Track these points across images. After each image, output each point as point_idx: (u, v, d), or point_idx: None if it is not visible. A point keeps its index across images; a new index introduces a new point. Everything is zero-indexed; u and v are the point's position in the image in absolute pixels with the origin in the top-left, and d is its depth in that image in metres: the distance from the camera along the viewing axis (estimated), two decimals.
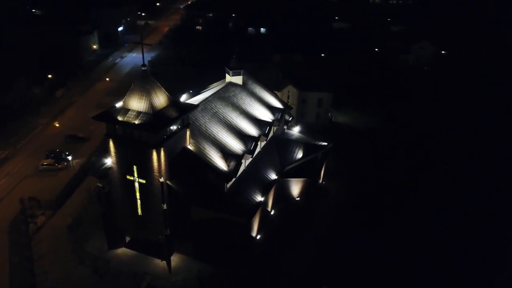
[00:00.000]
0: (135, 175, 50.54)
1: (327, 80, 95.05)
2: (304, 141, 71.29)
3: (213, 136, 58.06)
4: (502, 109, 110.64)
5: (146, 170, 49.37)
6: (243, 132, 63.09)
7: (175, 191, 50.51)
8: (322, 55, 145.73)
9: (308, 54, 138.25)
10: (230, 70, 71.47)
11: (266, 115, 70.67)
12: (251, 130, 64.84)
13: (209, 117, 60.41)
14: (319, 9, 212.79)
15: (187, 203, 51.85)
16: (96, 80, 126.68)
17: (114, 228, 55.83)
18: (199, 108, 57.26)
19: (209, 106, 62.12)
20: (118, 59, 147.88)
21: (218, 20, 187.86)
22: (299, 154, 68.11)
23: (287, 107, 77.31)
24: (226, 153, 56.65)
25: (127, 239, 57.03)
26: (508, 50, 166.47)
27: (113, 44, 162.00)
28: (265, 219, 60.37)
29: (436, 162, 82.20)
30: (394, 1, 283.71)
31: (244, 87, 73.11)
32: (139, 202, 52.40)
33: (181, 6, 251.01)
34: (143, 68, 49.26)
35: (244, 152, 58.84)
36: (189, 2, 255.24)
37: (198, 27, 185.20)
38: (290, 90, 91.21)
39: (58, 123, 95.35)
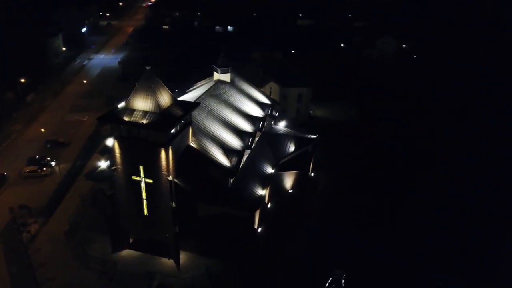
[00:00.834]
0: (142, 175, 50.54)
1: (306, 76, 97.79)
2: (293, 135, 73.44)
3: (212, 133, 58.92)
4: (468, 97, 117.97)
5: (153, 170, 49.53)
6: (238, 128, 64.34)
7: (183, 189, 51.04)
8: (292, 51, 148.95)
9: (278, 51, 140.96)
10: (219, 68, 72.31)
11: (256, 111, 72.21)
12: (246, 126, 66.19)
13: (205, 114, 61.12)
14: (283, 6, 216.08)
15: (195, 200, 52.56)
16: (67, 83, 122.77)
17: (117, 230, 55.44)
18: None
19: (203, 104, 62.73)
20: (86, 61, 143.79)
21: (185, 19, 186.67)
22: (291, 148, 70.16)
23: (274, 103, 79.20)
24: (227, 149, 57.75)
25: (131, 240, 56.82)
26: (470, 42, 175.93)
27: (78, 45, 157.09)
28: (264, 213, 61.94)
29: (416, 151, 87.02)
30: None
31: (232, 84, 74.20)
32: (145, 202, 52.42)
33: (144, 5, 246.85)
34: (147, 68, 49.20)
35: (243, 148, 60.14)
36: (152, 1, 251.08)
37: (165, 27, 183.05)
38: (272, 87, 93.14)
39: (43, 129, 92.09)
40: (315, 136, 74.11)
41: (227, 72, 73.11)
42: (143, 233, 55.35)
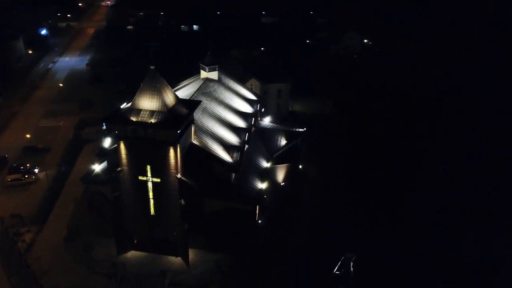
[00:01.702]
0: (149, 174, 50.57)
1: (285, 72, 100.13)
2: (282, 129, 75.38)
3: (210, 130, 59.67)
4: (434, 88, 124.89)
5: (161, 169, 49.74)
6: (233, 124, 65.41)
7: (190, 186, 51.57)
8: (262, 48, 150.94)
9: (248, 48, 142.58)
10: (206, 66, 72.78)
11: (246, 107, 73.51)
12: (239, 122, 67.34)
13: (201, 112, 61.67)
14: (247, 4, 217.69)
15: (202, 196, 53.23)
16: (34, 87, 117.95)
17: (122, 232, 55.02)
18: None
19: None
20: (51, 64, 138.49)
21: (150, 19, 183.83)
22: (283, 142, 72.07)
23: (261, 99, 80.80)
24: (227, 145, 58.74)
25: (135, 241, 56.54)
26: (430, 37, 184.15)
27: (40, 48, 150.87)
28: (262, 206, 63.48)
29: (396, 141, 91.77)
30: None
31: (220, 82, 74.96)
32: (152, 201, 52.45)
33: (104, 3, 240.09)
34: (151, 67, 49.24)
35: (242, 143, 61.36)
36: (111, 1, 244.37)
37: (130, 27, 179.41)
38: (253, 83, 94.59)
39: (17, 136, 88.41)
40: (303, 130, 76.41)
41: (215, 70, 73.75)
42: (148, 233, 55.24)
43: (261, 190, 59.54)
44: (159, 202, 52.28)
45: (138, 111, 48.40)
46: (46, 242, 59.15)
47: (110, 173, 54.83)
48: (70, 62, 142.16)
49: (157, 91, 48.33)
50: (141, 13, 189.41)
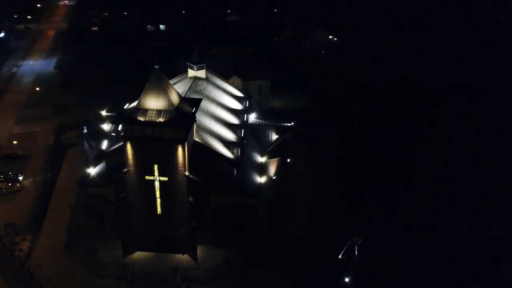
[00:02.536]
0: (156, 174, 50.75)
1: (265, 69, 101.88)
2: (271, 124, 77.19)
3: (208, 128, 60.45)
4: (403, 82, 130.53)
5: (169, 167, 50.11)
6: (227, 121, 66.45)
7: (197, 183, 52.26)
8: (233, 47, 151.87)
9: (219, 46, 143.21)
10: (194, 64, 73.18)
11: (236, 104, 74.70)
12: (232, 119, 68.48)
13: (198, 110, 62.19)
14: (212, 3, 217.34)
15: (208, 192, 54.02)
16: (1, 93, 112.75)
17: (128, 233, 54.79)
18: None
19: None
20: (15, 68, 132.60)
21: (115, 20, 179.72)
22: (273, 136, 73.90)
23: (248, 96, 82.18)
24: (226, 142, 59.78)
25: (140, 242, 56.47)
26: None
27: (0, 52, 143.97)
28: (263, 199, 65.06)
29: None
30: None
31: (208, 80, 75.61)
32: (158, 200, 52.64)
33: (62, 3, 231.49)
34: (156, 67, 49.39)
35: (240, 139, 62.57)
36: (68, 0, 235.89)
37: (94, 28, 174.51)
38: (235, 81, 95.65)
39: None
40: (290, 124, 78.57)
41: (203, 69, 74.30)
42: (154, 232, 55.34)
43: (260, 184, 61.03)
44: (166, 200, 52.57)
45: (145, 111, 48.50)
46: (44, 249, 57.78)
47: (113, 175, 54.42)
48: (35, 65, 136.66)
49: (163, 90, 48.64)
50: (106, 14, 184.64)
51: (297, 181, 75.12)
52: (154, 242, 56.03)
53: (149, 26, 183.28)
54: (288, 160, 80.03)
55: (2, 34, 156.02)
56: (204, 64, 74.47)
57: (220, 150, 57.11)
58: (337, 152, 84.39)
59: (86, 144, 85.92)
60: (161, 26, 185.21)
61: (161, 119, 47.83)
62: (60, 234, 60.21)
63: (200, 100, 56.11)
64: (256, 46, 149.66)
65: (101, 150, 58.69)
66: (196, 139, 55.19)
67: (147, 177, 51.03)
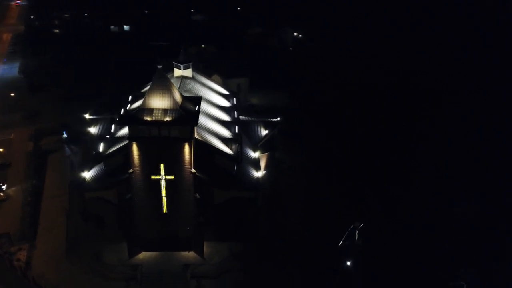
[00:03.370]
0: (162, 173, 51.10)
1: (244, 67, 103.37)
2: (258, 120, 78.76)
3: (205, 125, 61.21)
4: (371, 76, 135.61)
5: (175, 165, 50.66)
6: (220, 119, 67.46)
7: (202, 179, 53.11)
8: (203, 46, 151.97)
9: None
10: (181, 64, 73.45)
11: (224, 102, 75.76)
12: (224, 116, 69.54)
13: None
14: (175, 2, 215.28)
15: (212, 188, 54.97)
16: None
17: (133, 234, 54.72)
18: None
19: None
20: None
21: (77, 21, 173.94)
22: (262, 132, 75.58)
23: (234, 93, 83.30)
24: (224, 138, 60.92)
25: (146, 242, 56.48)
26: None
27: None
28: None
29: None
30: None
31: (194, 79, 76.09)
32: (164, 199, 52.97)
33: (14, 3, 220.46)
34: (159, 67, 49.69)
35: (235, 136, 63.82)
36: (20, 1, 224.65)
37: (56, 30, 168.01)
38: (215, 79, 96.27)
39: None
40: (277, 119, 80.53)
41: (189, 68, 74.73)
42: (159, 231, 55.54)
43: (258, 178, 62.66)
44: (172, 199, 53.02)
45: (150, 111, 48.72)
46: (44, 257, 56.53)
47: (114, 177, 54.16)
48: None
49: (167, 90, 49.10)
50: (67, 15, 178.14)
51: (285, 176, 77.20)
52: (158, 241, 56.23)
53: (112, 26, 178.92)
54: (276, 155, 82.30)
55: None
56: (191, 63, 74.97)
57: (219, 146, 58.17)
58: (324, 147, 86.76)
59: (67, 149, 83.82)
60: (125, 26, 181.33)
61: (168, 118, 48.26)
62: (58, 241, 59.15)
63: (200, 98, 56.88)
64: (225, 45, 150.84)
65: (98, 153, 57.84)
66: (196, 136, 55.88)
67: (153, 177, 51.28)
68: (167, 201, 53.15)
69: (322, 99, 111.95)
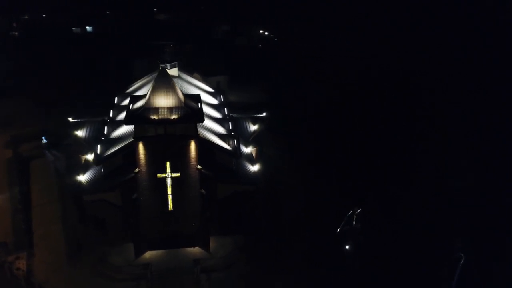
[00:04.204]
0: (168, 171, 51.52)
1: (223, 65, 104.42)
2: (245, 116, 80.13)
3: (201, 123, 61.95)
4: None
5: (181, 162, 51.22)
6: (212, 116, 68.37)
7: (206, 175, 54.02)
8: (171, 45, 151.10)
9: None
10: (168, 63, 73.58)
11: (211, 99, 76.61)
12: (215, 113, 70.50)
13: None
14: (137, 1, 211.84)
15: (216, 183, 56.01)
16: None
17: (139, 234, 54.74)
18: None
19: None
20: None
21: (37, 23, 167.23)
22: (251, 127, 77.11)
23: (219, 91, 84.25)
24: (221, 135, 62.01)
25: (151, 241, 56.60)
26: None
27: None
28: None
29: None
30: None
31: (180, 78, 76.41)
32: (170, 197, 53.37)
33: None
34: (162, 66, 50.01)
35: (230, 131, 65.03)
36: None
37: (15, 33, 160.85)
38: (196, 77, 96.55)
39: None
40: (262, 115, 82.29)
41: (175, 67, 75.02)
42: (164, 229, 55.82)
43: (255, 172, 64.25)
44: (178, 196, 53.51)
45: (156, 110, 49.02)
46: (46, 264, 55.10)
47: (117, 178, 53.94)
48: None
49: (172, 88, 49.58)
50: (26, 17, 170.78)
51: (276, 169, 79.31)
52: (163, 239, 56.48)
53: (74, 28, 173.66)
54: (264, 149, 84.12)
55: None
56: (177, 62, 75.28)
57: (217, 142, 59.24)
58: (308, 142, 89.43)
59: (48, 155, 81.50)
60: (87, 27, 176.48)
61: (174, 116, 48.81)
62: (57, 247, 57.77)
63: (199, 96, 57.62)
64: (195, 44, 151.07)
65: (98, 155, 57.20)
66: None
67: (158, 175, 51.59)
68: (172, 199, 53.54)
69: (299, 95, 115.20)
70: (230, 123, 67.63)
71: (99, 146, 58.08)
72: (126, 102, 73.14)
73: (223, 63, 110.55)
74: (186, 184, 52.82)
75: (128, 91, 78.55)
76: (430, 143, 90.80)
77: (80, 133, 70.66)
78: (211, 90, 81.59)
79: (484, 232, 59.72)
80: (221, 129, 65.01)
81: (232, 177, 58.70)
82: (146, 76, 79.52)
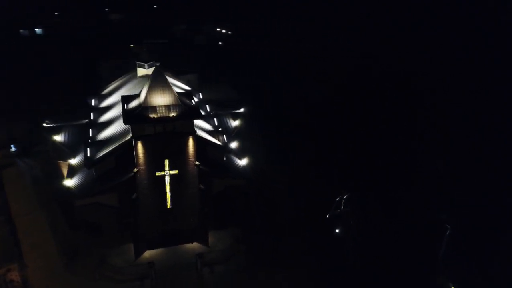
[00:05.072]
0: (166, 168, 51.84)
1: (192, 63, 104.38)
2: (226, 112, 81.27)
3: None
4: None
5: (180, 159, 51.78)
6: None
7: (204, 171, 54.92)
8: (131, 45, 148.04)
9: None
10: (145, 63, 73.12)
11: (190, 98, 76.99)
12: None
13: None
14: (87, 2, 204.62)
15: (212, 179, 57.00)
16: None
17: (138, 234, 54.60)
18: None
19: None
20: None
21: None
22: (232, 123, 78.45)
23: (193, 89, 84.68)
24: (209, 131, 62.99)
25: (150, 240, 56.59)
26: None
27: None
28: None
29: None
30: None
31: None
32: (168, 195, 53.68)
33: None
34: (156, 64, 50.16)
35: (217, 127, 66.08)
36: None
37: None
38: (168, 76, 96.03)
39: None
40: (241, 110, 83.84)
41: (153, 66, 74.50)
42: (162, 228, 56.00)
43: (244, 166, 65.87)
44: (176, 193, 53.97)
45: (154, 108, 49.20)
46: (41, 273, 53.58)
47: (106, 181, 53.50)
48: None
49: (167, 86, 50.02)
50: None
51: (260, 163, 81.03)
52: (162, 237, 56.68)
53: (22, 30, 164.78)
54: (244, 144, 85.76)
55: None
56: (154, 61, 74.89)
57: (210, 138, 60.30)
58: (285, 135, 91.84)
59: (20, 163, 78.14)
60: (37, 30, 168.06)
61: (173, 114, 49.27)
62: (50, 255, 56.20)
63: (191, 92, 58.21)
64: (155, 43, 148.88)
65: (89, 158, 56.16)
66: None
67: (157, 173, 51.83)
68: (171, 196, 53.92)
69: (269, 89, 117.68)
70: (215, 119, 68.59)
71: (88, 149, 56.96)
72: (104, 104, 72.34)
73: (188, 61, 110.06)
74: (184, 181, 53.43)
75: (104, 92, 77.07)
76: (412, 129, 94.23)
77: (59, 138, 68.68)
78: (188, 88, 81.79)
79: (467, 206, 64.18)
80: (207, 126, 65.90)
81: (225, 171, 59.97)
82: (121, 77, 78.45)
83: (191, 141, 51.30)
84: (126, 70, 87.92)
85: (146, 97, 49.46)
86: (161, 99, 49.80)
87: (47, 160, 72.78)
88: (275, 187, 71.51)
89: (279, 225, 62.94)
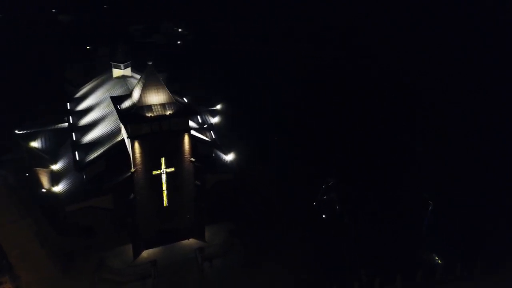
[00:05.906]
0: (163, 167, 52.09)
1: (158, 63, 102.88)
2: (204, 109, 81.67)
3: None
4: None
5: (176, 157, 52.22)
6: None
7: (198, 167, 55.62)
8: (88, 47, 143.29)
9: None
10: (121, 63, 72.19)
11: (180, 96, 76.98)
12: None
13: None
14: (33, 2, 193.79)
15: (205, 174, 57.86)
16: None
17: (136, 235, 54.42)
18: None
19: None
20: None
21: None
22: (211, 119, 79.23)
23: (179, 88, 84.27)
24: (197, 128, 63.65)
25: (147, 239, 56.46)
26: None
27: None
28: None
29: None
30: None
31: (134, 78, 75.24)
32: (165, 193, 53.93)
33: None
34: (149, 63, 50.25)
35: (203, 124, 66.83)
36: None
37: None
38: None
39: None
40: (218, 107, 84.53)
41: (129, 67, 73.87)
42: (159, 226, 56.12)
43: (231, 161, 67.04)
44: (173, 191, 54.32)
45: (149, 107, 49.30)
46: (36, 282, 52.20)
47: (102, 183, 52.94)
48: None
49: (161, 85, 50.30)
50: None
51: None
52: (159, 236, 56.77)
53: None
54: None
55: None
56: (130, 62, 74.12)
57: (198, 135, 61.06)
58: (260, 128, 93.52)
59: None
60: None
61: (169, 112, 49.64)
62: (41, 263, 54.76)
63: (181, 90, 58.61)
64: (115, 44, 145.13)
65: (78, 161, 55.04)
66: None
67: (154, 172, 51.99)
68: (167, 194, 54.25)
69: (237, 87, 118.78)
70: (198, 116, 69.22)
71: (77, 153, 55.84)
72: (82, 106, 70.69)
73: (153, 60, 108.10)
74: (180, 178, 53.91)
75: (78, 95, 75.08)
76: (395, 119, 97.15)
77: (35, 144, 66.33)
78: None
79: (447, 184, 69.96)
80: (192, 123, 66.39)
81: (215, 167, 61.01)
82: (94, 78, 76.84)
83: (186, 138, 51.93)
84: (94, 72, 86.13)
85: (140, 96, 49.50)
86: (155, 98, 50.05)
87: (23, 168, 70.03)
88: (262, 180, 73.33)
89: (270, 217, 64.81)
